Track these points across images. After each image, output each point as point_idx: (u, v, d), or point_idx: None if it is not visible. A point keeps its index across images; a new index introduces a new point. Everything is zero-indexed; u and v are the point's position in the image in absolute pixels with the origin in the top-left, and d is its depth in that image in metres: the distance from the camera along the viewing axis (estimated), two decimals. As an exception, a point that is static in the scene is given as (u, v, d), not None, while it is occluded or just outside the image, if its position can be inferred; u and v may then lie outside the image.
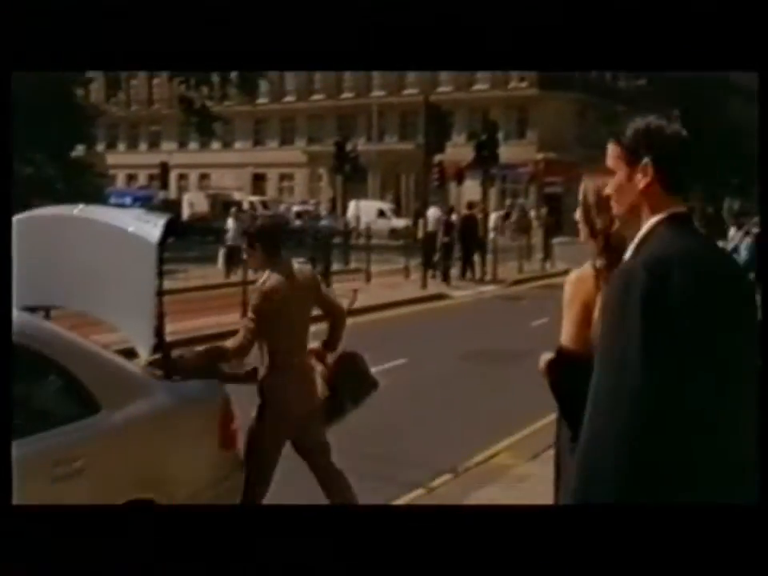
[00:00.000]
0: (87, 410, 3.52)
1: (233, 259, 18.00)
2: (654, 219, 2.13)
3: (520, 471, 5.96)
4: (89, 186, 18.83)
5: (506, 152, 29.70)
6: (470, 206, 22.69)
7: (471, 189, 30.16)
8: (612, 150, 2.20)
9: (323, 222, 30.38)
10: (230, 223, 19.63)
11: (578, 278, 2.94)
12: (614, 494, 2.06)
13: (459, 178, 28.83)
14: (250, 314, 4.49)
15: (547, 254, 24.21)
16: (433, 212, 21.19)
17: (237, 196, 37.16)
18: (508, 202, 41.52)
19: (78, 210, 4.50)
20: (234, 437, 4.21)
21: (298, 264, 4.82)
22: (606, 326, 2.11)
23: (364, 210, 33.60)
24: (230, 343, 4.43)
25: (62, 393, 3.60)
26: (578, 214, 2.99)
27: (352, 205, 33.92)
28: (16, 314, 3.60)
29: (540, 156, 43.82)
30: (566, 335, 2.86)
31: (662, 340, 2.03)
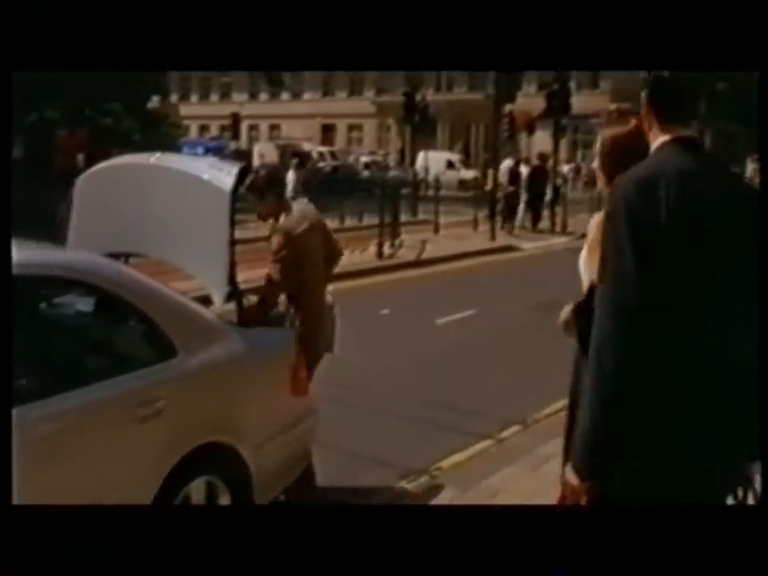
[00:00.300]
0: (165, 354, 3.62)
1: None
2: (657, 143, 2.30)
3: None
4: (163, 136, 19.09)
5: (578, 102, 28.95)
6: (542, 157, 22.31)
7: (542, 140, 29.61)
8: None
9: (391, 173, 30.26)
10: (291, 175, 19.65)
11: (602, 220, 2.89)
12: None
13: (530, 128, 28.33)
14: (276, 257, 4.52)
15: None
16: (507, 163, 20.93)
17: (306, 146, 37.24)
18: (579, 153, 40.69)
19: (155, 158, 4.58)
20: (304, 384, 4.29)
21: (303, 204, 4.86)
22: (603, 243, 2.19)
23: (433, 161, 33.30)
24: (265, 293, 4.55)
25: (141, 337, 3.71)
26: (595, 163, 3.02)
27: (421, 156, 33.63)
28: (99, 259, 3.72)
29: (613, 106, 42.59)
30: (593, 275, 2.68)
31: (650, 252, 2.10)
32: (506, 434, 5.87)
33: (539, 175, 20.63)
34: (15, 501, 2.96)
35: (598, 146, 3.00)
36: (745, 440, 2.17)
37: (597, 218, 2.93)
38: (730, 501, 2.31)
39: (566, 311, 2.93)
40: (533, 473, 5.02)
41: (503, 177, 20.13)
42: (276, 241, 4.56)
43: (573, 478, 2.17)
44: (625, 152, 2.72)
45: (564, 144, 32.50)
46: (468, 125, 45.76)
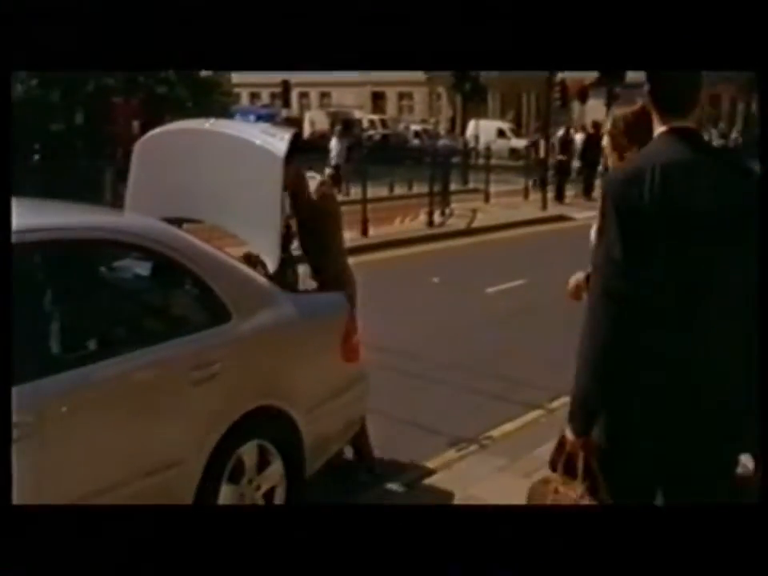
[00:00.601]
0: (220, 318, 3.65)
1: (336, 178, 18.05)
2: (656, 133, 2.44)
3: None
4: (215, 104, 19.20)
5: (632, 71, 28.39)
6: (596, 125, 21.97)
7: (595, 108, 29.06)
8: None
9: (442, 142, 30.00)
10: (334, 143, 19.59)
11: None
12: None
13: (582, 97, 27.82)
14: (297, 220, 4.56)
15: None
16: (562, 132, 20.69)
17: (357, 114, 37.10)
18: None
19: (209, 123, 4.59)
20: (356, 350, 4.30)
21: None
22: (597, 231, 2.37)
23: (483, 130, 32.96)
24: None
25: (196, 301, 3.74)
26: (605, 141, 3.10)
27: (471, 124, 33.35)
28: (156, 223, 3.75)
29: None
30: None
31: (634, 237, 2.26)
32: (556, 404, 5.82)
33: (593, 144, 20.31)
34: (81, 460, 3.03)
35: (608, 125, 3.11)
36: (719, 406, 2.30)
37: None
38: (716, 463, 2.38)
39: (577, 277, 3.05)
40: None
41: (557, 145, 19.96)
42: (310, 204, 4.58)
43: (570, 434, 2.38)
44: (634, 130, 2.87)
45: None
46: (519, 93, 45.09)
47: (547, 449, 4.44)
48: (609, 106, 23.99)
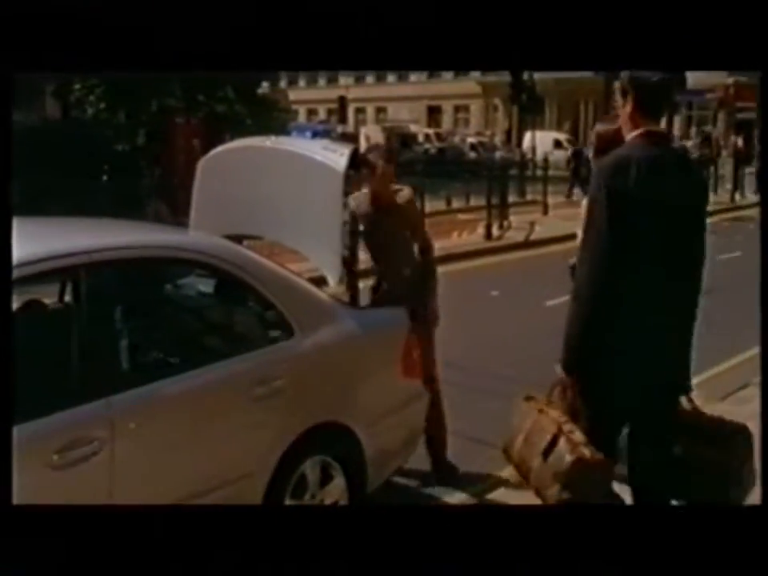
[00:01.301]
0: (283, 334, 3.68)
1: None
2: (632, 134, 2.90)
3: (710, 411, 5.71)
4: (274, 121, 19.44)
5: (693, 76, 27.89)
6: None
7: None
8: (618, 88, 2.94)
9: (498, 154, 29.89)
10: None
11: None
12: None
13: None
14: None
15: (737, 184, 22.78)
16: None
17: (413, 128, 37.18)
18: (693, 129, 39.18)
19: (271, 141, 4.65)
20: (415, 365, 4.28)
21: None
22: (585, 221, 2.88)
23: (540, 141, 32.68)
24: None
25: (260, 317, 3.78)
26: (590, 153, 3.85)
27: (528, 135, 33.12)
28: (220, 241, 3.80)
29: (730, 80, 40.86)
30: None
31: (618, 214, 2.77)
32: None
33: None
34: (148, 475, 3.06)
35: (592, 138, 3.87)
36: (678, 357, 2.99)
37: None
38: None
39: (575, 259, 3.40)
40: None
41: None
42: (403, 210, 4.63)
43: (561, 373, 2.97)
44: (608, 146, 3.41)
45: (678, 121, 31.33)
46: (577, 102, 44.71)
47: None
48: (670, 113, 23.66)
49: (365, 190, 4.69)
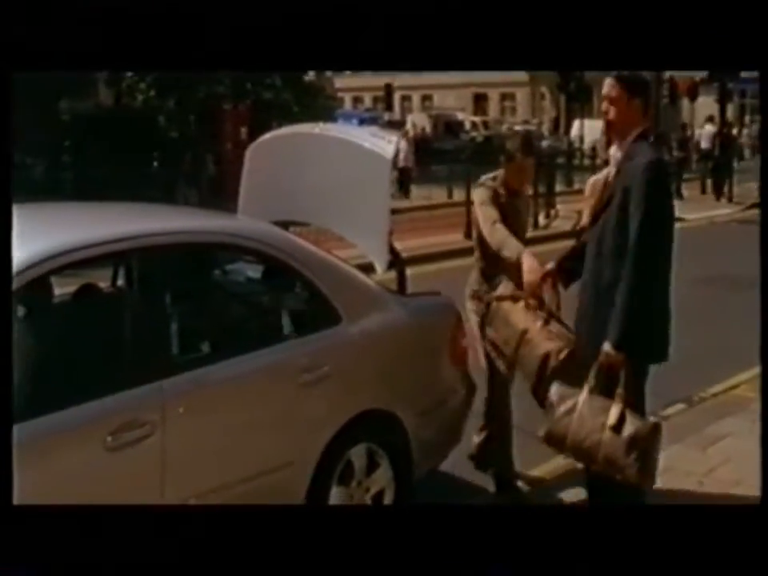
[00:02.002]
0: (330, 321, 3.68)
1: (404, 181, 17.83)
2: (636, 131, 3.29)
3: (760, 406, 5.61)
4: (320, 108, 19.49)
5: (749, 63, 27.28)
6: (728, 123, 21.56)
7: (705, 105, 28.09)
8: (612, 83, 3.24)
9: (546, 143, 29.60)
10: (402, 145, 19.35)
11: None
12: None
13: (692, 93, 26.90)
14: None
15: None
16: (708, 129, 20.30)
17: (459, 116, 36.96)
18: (748, 118, 38.35)
19: (318, 127, 4.64)
20: (463, 353, 4.26)
21: None
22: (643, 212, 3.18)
23: (588, 130, 32.26)
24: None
25: (307, 303, 3.79)
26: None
27: (576, 124, 32.72)
28: (268, 227, 3.81)
29: (787, 67, 39.87)
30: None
31: (672, 217, 3.38)
32: (670, 411, 5.64)
33: (727, 141, 19.88)
34: (197, 459, 3.08)
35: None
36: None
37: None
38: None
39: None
40: (701, 453, 4.81)
41: (705, 142, 19.67)
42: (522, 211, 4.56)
43: (611, 349, 3.20)
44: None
45: (731, 109, 30.70)
46: (626, 91, 44.05)
47: (663, 457, 4.33)
48: (721, 102, 23.13)
49: (493, 175, 4.51)
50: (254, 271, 3.94)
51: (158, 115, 16.43)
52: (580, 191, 20.11)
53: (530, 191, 4.65)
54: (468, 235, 13.22)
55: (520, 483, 4.65)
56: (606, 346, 3.21)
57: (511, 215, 4.39)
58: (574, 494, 4.34)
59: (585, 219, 3.75)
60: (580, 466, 4.73)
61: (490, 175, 4.54)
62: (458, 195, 15.43)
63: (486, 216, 4.28)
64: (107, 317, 3.23)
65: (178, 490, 3.03)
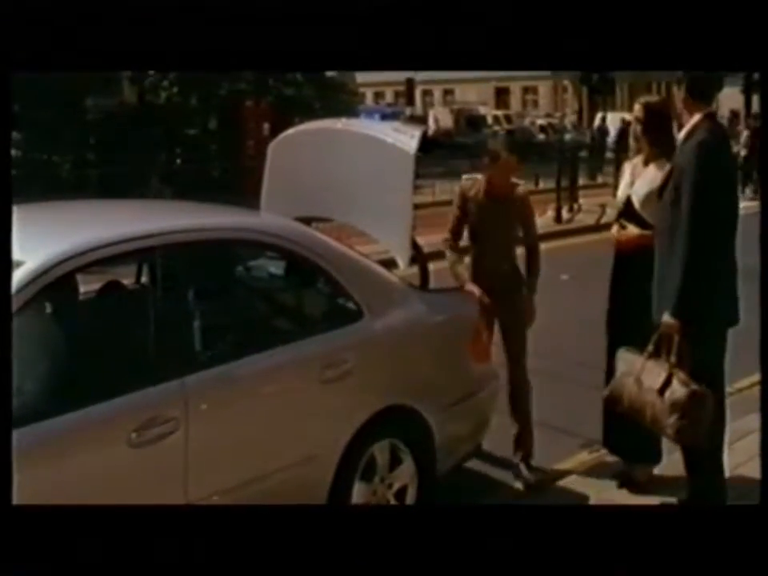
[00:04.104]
0: (352, 317, 3.68)
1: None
2: (696, 117, 3.50)
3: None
4: (342, 104, 19.47)
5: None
6: (735, 114, 21.25)
7: (729, 97, 27.78)
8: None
9: (568, 136, 29.43)
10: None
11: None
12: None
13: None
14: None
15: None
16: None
17: (481, 110, 36.82)
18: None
19: (341, 123, 4.64)
20: (486, 350, 4.25)
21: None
22: (693, 186, 3.39)
23: (611, 122, 32.08)
24: None
25: (330, 299, 3.79)
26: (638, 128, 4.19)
27: (599, 117, 32.49)
28: (291, 223, 3.82)
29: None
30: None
31: (731, 194, 3.55)
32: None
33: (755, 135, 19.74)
34: (220, 455, 3.09)
35: (639, 113, 4.16)
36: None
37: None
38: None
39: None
40: (727, 449, 4.76)
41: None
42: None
43: (670, 319, 3.44)
44: (662, 118, 4.11)
45: (756, 100, 30.34)
46: (649, 83, 43.67)
47: (679, 457, 4.31)
48: (746, 93, 22.90)
49: (479, 176, 4.60)
50: (277, 267, 3.95)
51: (181, 112, 16.51)
52: (604, 185, 20.08)
53: (523, 189, 4.62)
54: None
55: (543, 476, 4.65)
56: (665, 316, 3.47)
57: (487, 219, 4.47)
58: (594, 488, 4.34)
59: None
60: (606, 459, 4.74)
61: (470, 176, 4.59)
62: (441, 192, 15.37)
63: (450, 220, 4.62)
64: (131, 314, 3.25)
65: (202, 487, 3.05)
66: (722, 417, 3.66)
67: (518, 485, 4.56)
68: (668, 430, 3.47)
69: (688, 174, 3.41)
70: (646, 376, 3.54)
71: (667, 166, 4.08)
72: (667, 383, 3.45)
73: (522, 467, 4.62)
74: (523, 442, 4.67)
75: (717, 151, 3.46)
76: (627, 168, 4.35)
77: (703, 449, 3.57)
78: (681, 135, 3.63)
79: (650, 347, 3.57)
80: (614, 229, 4.36)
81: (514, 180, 4.63)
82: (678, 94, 3.56)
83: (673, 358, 3.48)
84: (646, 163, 4.19)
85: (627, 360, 3.68)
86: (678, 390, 3.42)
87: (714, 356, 3.62)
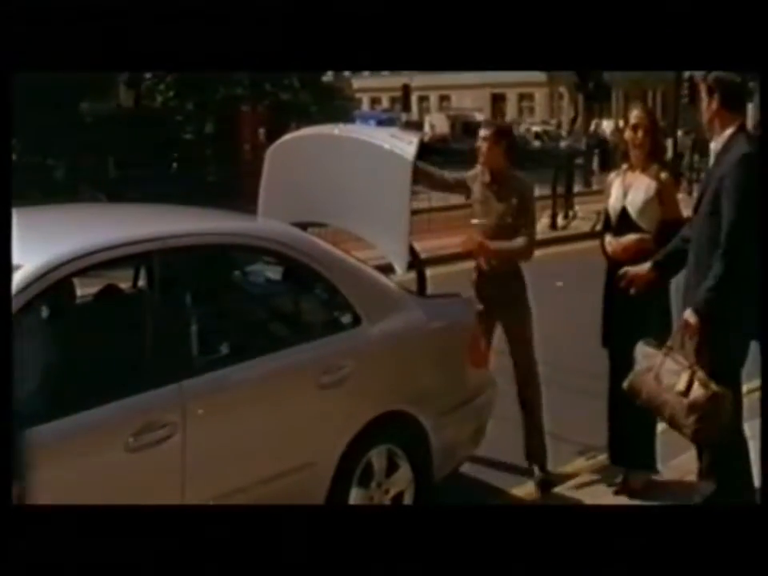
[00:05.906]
0: (349, 322, 3.68)
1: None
2: (730, 130, 3.49)
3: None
4: (338, 109, 19.51)
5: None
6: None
7: (727, 104, 27.85)
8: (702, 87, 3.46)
9: (564, 143, 29.47)
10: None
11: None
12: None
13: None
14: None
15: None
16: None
17: (477, 117, 36.89)
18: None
19: (338, 129, 4.64)
20: (484, 355, 4.25)
21: None
22: (740, 197, 3.37)
23: (607, 129, 32.18)
24: None
25: (327, 305, 3.79)
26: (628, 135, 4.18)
27: (594, 124, 32.57)
28: (288, 228, 3.81)
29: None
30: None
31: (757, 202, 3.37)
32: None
33: None
34: (217, 460, 3.08)
35: (640, 120, 4.12)
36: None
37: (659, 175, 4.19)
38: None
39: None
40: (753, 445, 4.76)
41: None
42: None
43: (693, 317, 3.43)
44: (658, 124, 4.29)
45: (751, 108, 30.42)
46: (645, 91, 43.82)
47: (686, 459, 4.30)
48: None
49: (479, 167, 4.71)
50: (274, 272, 3.94)
51: (177, 117, 16.53)
52: (599, 192, 20.12)
53: (513, 175, 4.70)
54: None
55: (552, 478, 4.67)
56: (687, 312, 3.47)
57: (483, 201, 4.68)
58: (589, 494, 4.34)
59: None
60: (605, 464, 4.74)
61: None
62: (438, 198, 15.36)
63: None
64: (128, 318, 3.24)
65: (199, 491, 3.04)
66: (739, 417, 3.64)
67: (532, 489, 4.56)
68: (686, 429, 3.47)
69: (732, 187, 3.41)
70: (665, 373, 3.53)
71: (663, 174, 4.22)
72: (690, 384, 3.43)
73: (537, 471, 4.63)
74: (536, 448, 4.68)
75: (757, 164, 3.44)
76: (615, 180, 4.33)
77: (719, 448, 3.54)
78: (715, 146, 3.61)
79: (669, 343, 3.58)
80: (607, 239, 4.34)
81: (518, 173, 4.72)
82: (710, 106, 3.49)
83: (693, 358, 3.48)
84: (637, 171, 4.21)
85: (647, 354, 3.66)
86: (696, 390, 3.41)
87: (735, 358, 3.60)
